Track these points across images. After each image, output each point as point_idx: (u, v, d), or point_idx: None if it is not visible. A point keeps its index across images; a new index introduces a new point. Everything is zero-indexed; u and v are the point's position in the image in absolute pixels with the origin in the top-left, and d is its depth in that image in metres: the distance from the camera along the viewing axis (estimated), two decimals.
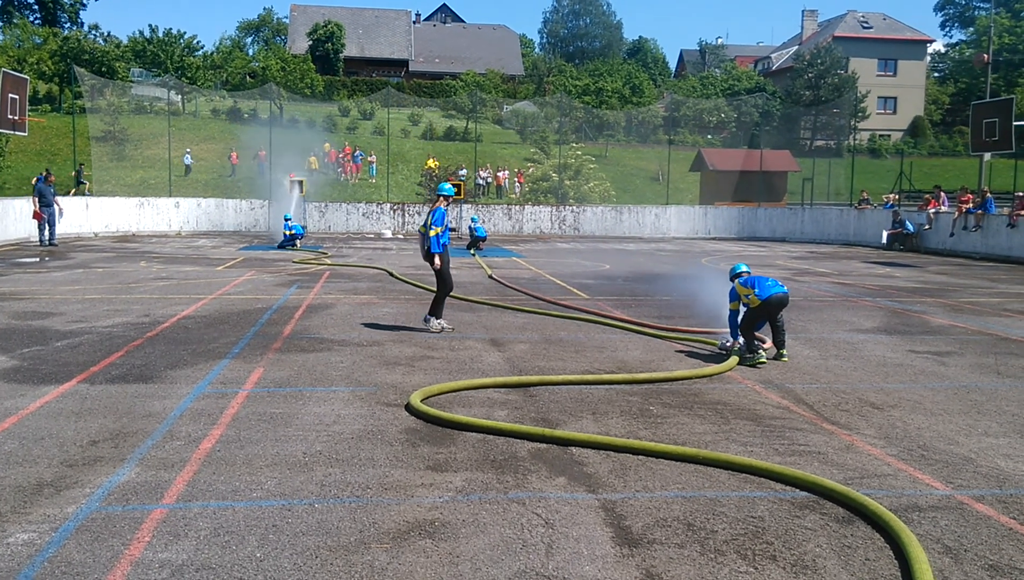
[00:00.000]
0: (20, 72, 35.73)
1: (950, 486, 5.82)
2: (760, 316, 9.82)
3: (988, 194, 29.21)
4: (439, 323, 11.56)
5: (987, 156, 37.13)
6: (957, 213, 28.77)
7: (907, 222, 30.54)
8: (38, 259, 21.48)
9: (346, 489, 5.58)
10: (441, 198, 11.63)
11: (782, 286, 9.92)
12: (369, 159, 48.48)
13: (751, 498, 5.53)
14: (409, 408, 7.47)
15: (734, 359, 9.70)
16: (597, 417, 7.41)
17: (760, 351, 9.76)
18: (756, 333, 9.91)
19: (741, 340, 9.97)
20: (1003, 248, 26.40)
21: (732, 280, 10.22)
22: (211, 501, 5.33)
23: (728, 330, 10.26)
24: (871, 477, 5.97)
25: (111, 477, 5.70)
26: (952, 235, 28.69)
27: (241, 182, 42.41)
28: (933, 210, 30.32)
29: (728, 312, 10.19)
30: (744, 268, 10.27)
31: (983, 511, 5.36)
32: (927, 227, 30.08)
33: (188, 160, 44.87)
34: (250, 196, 36.62)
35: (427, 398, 7.77)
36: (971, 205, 28.54)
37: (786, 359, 9.97)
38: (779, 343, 10.06)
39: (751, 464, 6.02)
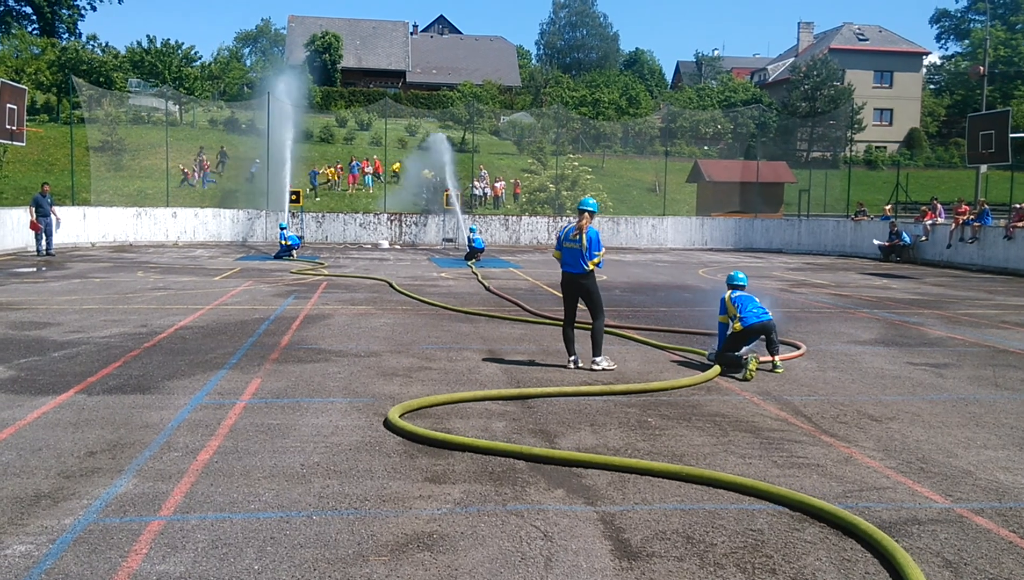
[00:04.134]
0: (18, 82, 35.73)
1: (949, 499, 5.81)
2: (743, 340, 9.89)
3: (985, 206, 29.29)
4: (606, 361, 10.10)
5: (983, 168, 37.36)
6: (954, 225, 28.83)
7: (904, 233, 30.61)
8: (35, 269, 21.46)
9: (344, 501, 5.56)
10: (586, 214, 9.91)
11: (767, 313, 9.96)
12: (366, 169, 48.50)
13: (750, 511, 5.52)
14: (387, 424, 7.26)
15: (717, 367, 9.75)
16: (595, 429, 7.39)
17: (746, 362, 9.62)
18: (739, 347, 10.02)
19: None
20: (1000, 260, 26.45)
21: (729, 287, 10.30)
22: (209, 513, 5.31)
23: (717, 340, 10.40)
24: (870, 490, 5.96)
25: (108, 488, 5.68)
26: (949, 247, 28.75)
27: (239, 193, 42.37)
28: (930, 222, 30.39)
29: (718, 323, 10.36)
30: (741, 278, 10.31)
31: (983, 524, 5.36)
32: (924, 239, 30.14)
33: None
34: (248, 206, 36.61)
35: (405, 414, 7.56)
36: (968, 217, 28.61)
37: (780, 370, 9.94)
38: (772, 352, 10.05)
39: (737, 482, 5.94)
